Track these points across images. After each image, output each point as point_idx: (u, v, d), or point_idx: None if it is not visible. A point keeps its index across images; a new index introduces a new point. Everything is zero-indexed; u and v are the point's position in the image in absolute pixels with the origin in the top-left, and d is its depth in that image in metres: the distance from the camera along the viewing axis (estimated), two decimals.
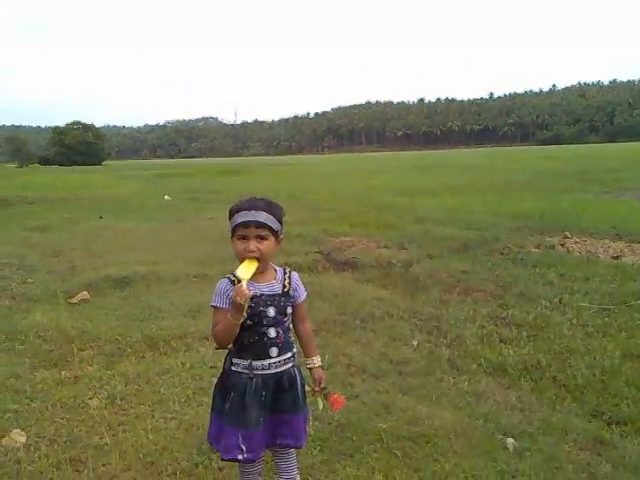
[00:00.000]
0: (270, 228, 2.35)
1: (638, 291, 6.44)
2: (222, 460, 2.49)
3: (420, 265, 8.28)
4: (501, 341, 5.18)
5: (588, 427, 3.61)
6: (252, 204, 2.36)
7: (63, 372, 4.58)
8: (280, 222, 2.41)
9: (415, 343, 5.20)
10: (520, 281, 7.15)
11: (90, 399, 4.07)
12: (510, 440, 3.40)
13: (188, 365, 4.61)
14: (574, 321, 5.58)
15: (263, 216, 2.33)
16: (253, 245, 2.33)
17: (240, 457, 2.39)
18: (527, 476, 3.04)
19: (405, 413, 3.73)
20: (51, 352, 5.04)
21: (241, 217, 2.34)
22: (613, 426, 3.67)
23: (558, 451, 3.30)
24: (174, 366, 4.61)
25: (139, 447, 3.37)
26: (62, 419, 3.79)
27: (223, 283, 2.39)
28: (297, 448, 2.63)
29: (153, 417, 3.79)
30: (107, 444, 3.43)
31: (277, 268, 2.52)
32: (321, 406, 2.62)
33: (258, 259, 2.33)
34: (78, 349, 5.07)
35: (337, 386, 4.13)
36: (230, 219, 2.39)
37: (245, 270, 2.28)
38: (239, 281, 2.27)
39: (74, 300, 6.68)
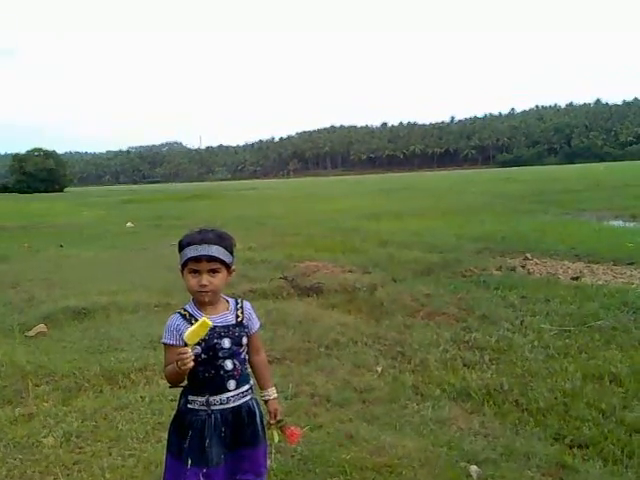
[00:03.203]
0: (222, 261, 2.32)
1: (597, 312, 6.54)
2: None
3: (384, 289, 8.28)
4: (464, 365, 5.19)
5: (550, 451, 3.62)
6: (203, 237, 2.32)
7: (17, 409, 4.42)
8: (232, 253, 2.38)
9: (379, 369, 5.18)
10: (482, 303, 7.20)
11: (45, 437, 3.93)
12: (474, 467, 3.38)
13: (147, 399, 4.49)
14: (535, 343, 5.64)
15: (214, 250, 2.30)
16: (206, 279, 2.30)
17: None
18: None
19: (369, 443, 3.68)
20: (5, 388, 4.86)
21: (192, 251, 2.30)
22: (575, 449, 3.68)
23: (521, 477, 3.29)
24: (133, 400, 4.48)
25: None
26: (15, 459, 3.65)
27: (174, 319, 2.34)
28: None
29: (110, 455, 3.67)
30: None
31: (229, 299, 2.48)
32: (276, 439, 2.58)
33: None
34: (33, 384, 4.90)
35: (301, 416, 4.09)
36: (180, 252, 2.35)
37: (193, 335, 2.20)
38: (191, 315, 2.23)
39: (31, 333, 6.50)
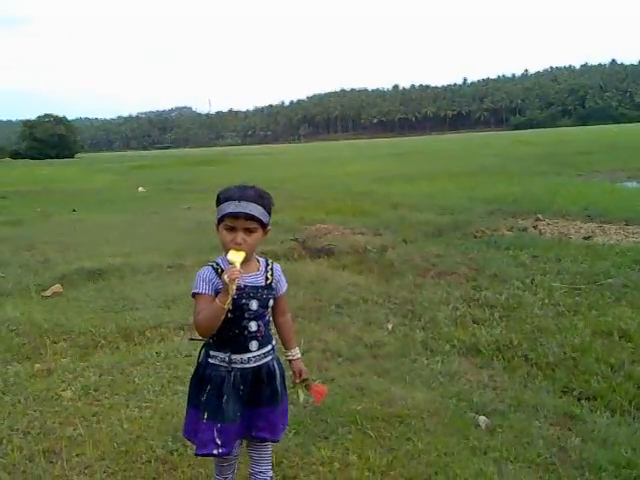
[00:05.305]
0: (259, 220, 2.25)
1: (608, 270, 6.55)
2: (196, 455, 2.42)
3: (395, 250, 8.32)
4: (474, 322, 5.24)
5: (558, 403, 3.68)
6: (242, 194, 2.25)
7: (36, 365, 4.52)
8: (269, 213, 2.32)
9: (390, 326, 5.24)
10: (493, 263, 7.22)
11: (63, 391, 4.04)
12: (482, 418, 3.45)
13: (163, 355, 4.59)
14: (545, 301, 5.67)
15: (253, 208, 2.23)
16: (240, 237, 2.23)
17: (215, 452, 2.32)
18: (498, 452, 3.10)
19: (379, 395, 3.76)
20: (24, 345, 4.98)
21: (230, 207, 2.23)
22: (583, 401, 3.75)
23: (529, 427, 3.36)
24: (148, 356, 4.58)
25: (113, 437, 3.37)
26: (35, 411, 3.76)
27: (207, 271, 2.30)
28: (273, 442, 2.56)
29: (127, 407, 3.77)
30: (81, 435, 3.41)
31: (260, 259, 2.44)
32: (301, 398, 2.59)
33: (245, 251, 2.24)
34: (51, 342, 5.01)
35: (313, 371, 4.15)
36: (217, 206, 2.29)
37: (236, 255, 2.19)
38: (221, 270, 2.22)
39: (47, 293, 6.61)
